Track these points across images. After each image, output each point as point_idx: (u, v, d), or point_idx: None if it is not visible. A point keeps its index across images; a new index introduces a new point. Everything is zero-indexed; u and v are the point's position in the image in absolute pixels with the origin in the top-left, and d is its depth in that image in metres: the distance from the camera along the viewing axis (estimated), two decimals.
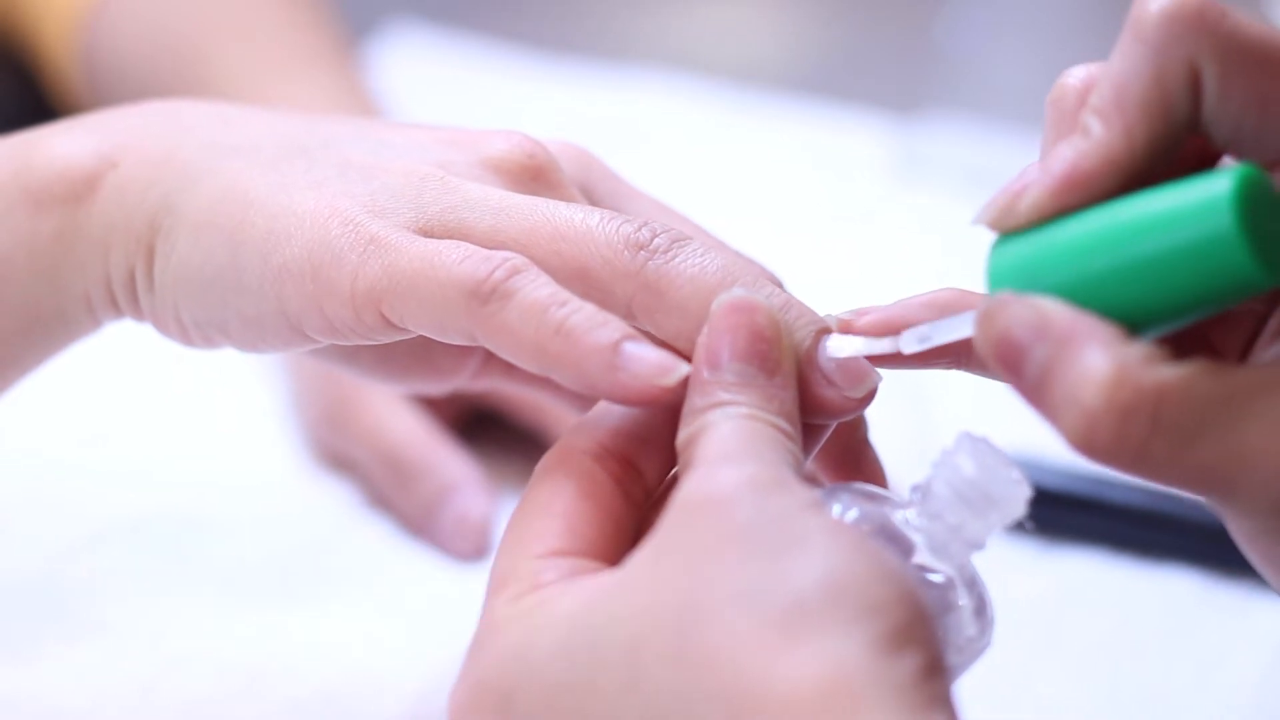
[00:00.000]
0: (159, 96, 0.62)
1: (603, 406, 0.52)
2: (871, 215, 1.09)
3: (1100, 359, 0.45)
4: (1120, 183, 0.48)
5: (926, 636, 0.44)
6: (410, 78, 1.17)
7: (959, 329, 0.51)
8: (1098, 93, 0.49)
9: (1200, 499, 0.49)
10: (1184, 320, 0.47)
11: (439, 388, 0.64)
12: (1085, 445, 0.45)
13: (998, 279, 0.49)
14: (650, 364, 0.50)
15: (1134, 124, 0.48)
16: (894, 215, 1.09)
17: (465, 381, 0.63)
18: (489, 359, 0.63)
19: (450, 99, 1.17)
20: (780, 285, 0.57)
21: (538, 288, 0.51)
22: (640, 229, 0.52)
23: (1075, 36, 1.31)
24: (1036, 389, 0.46)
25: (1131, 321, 0.47)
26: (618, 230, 0.53)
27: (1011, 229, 0.49)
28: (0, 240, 0.57)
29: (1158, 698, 0.71)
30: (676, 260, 0.52)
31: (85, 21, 1.03)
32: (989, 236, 0.54)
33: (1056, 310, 0.46)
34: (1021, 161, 1.14)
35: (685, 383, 0.50)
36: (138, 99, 0.62)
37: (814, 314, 0.52)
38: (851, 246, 1.05)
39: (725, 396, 0.49)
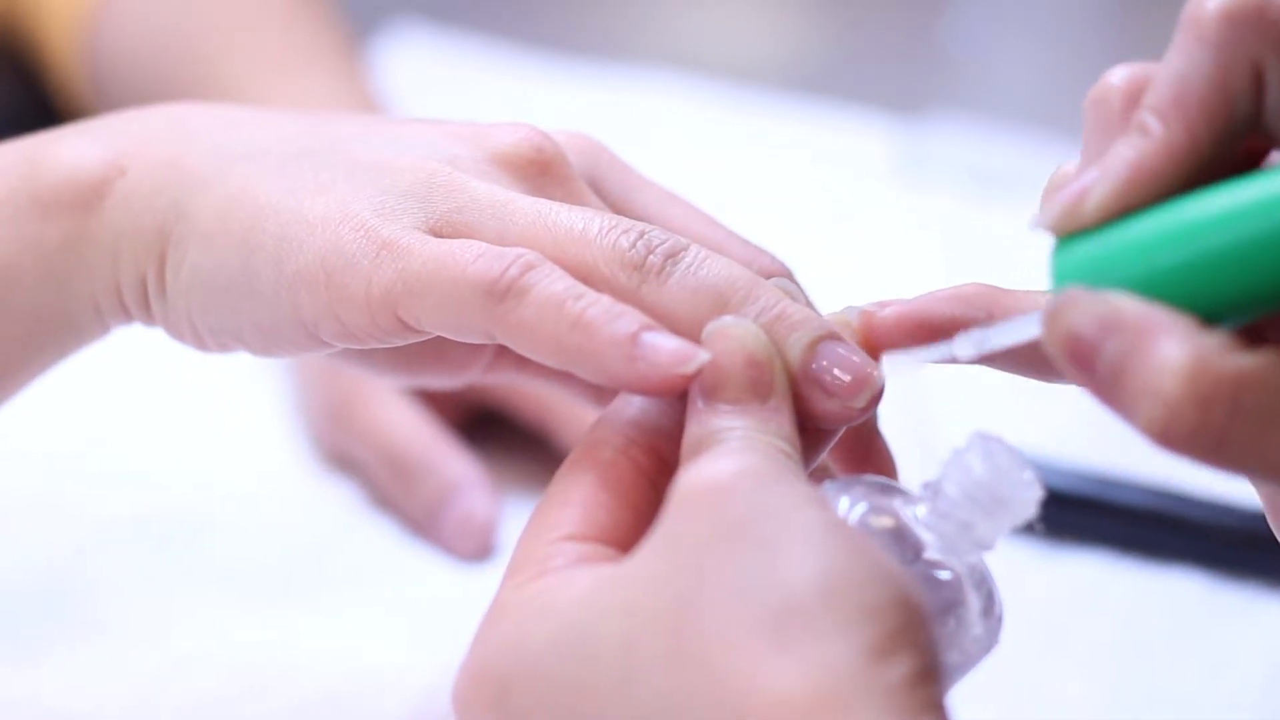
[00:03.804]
0: (162, 96, 0.62)
1: (626, 398, 0.52)
2: (874, 215, 1.09)
3: (1177, 349, 0.44)
4: (1182, 181, 0.48)
5: (920, 641, 0.44)
6: (413, 77, 1.17)
7: (1018, 332, 0.51)
8: (1155, 92, 0.49)
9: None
10: (1253, 314, 0.47)
11: (451, 382, 0.64)
12: (1165, 436, 0.44)
13: (1063, 279, 0.49)
14: (669, 352, 0.50)
15: (1196, 123, 0.48)
16: (896, 215, 1.09)
17: (478, 376, 0.63)
18: (500, 354, 0.63)
19: (453, 98, 1.17)
20: (790, 275, 0.57)
21: (552, 282, 0.51)
22: (636, 243, 0.52)
23: (1078, 37, 1.31)
24: (1110, 384, 0.45)
25: (1203, 316, 0.47)
26: (614, 245, 0.53)
27: (1075, 231, 0.49)
28: (9, 246, 0.57)
29: (1163, 699, 0.71)
30: (670, 283, 0.52)
31: (88, 21, 1.03)
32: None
33: (1128, 303, 0.46)
34: (1025, 162, 1.14)
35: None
36: (141, 98, 0.62)
37: (812, 320, 0.52)
38: (854, 247, 1.05)
39: (720, 424, 0.49)
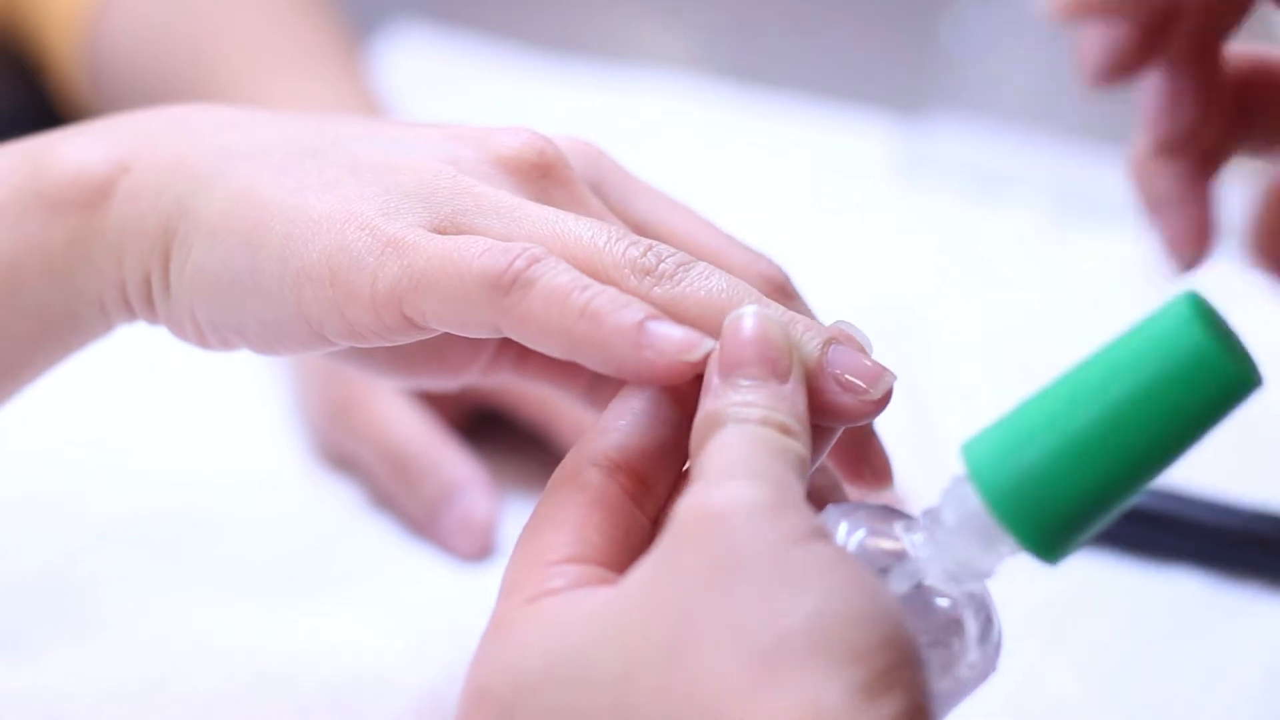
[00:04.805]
0: (163, 96, 0.62)
1: (608, 420, 0.52)
2: (874, 215, 1.10)
3: None
4: None
5: (910, 680, 0.44)
6: (414, 77, 1.18)
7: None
8: None
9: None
10: (1169, 459, 0.48)
11: (451, 383, 0.64)
12: None
13: (978, 470, 0.49)
14: (675, 341, 0.50)
15: None
16: (896, 215, 1.09)
17: (476, 377, 0.64)
18: (499, 355, 0.63)
19: (453, 98, 1.17)
20: (788, 278, 0.57)
21: (558, 274, 0.51)
22: (646, 253, 0.53)
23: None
24: None
25: (1122, 472, 0.47)
26: (624, 252, 0.53)
27: None
28: (16, 245, 0.58)
29: (1163, 699, 0.71)
30: (682, 285, 0.52)
31: (88, 22, 1.03)
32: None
33: None
34: (1025, 162, 1.14)
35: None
36: (142, 99, 0.62)
37: (821, 326, 0.53)
38: (855, 247, 1.05)
39: (736, 398, 0.49)
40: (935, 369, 0.92)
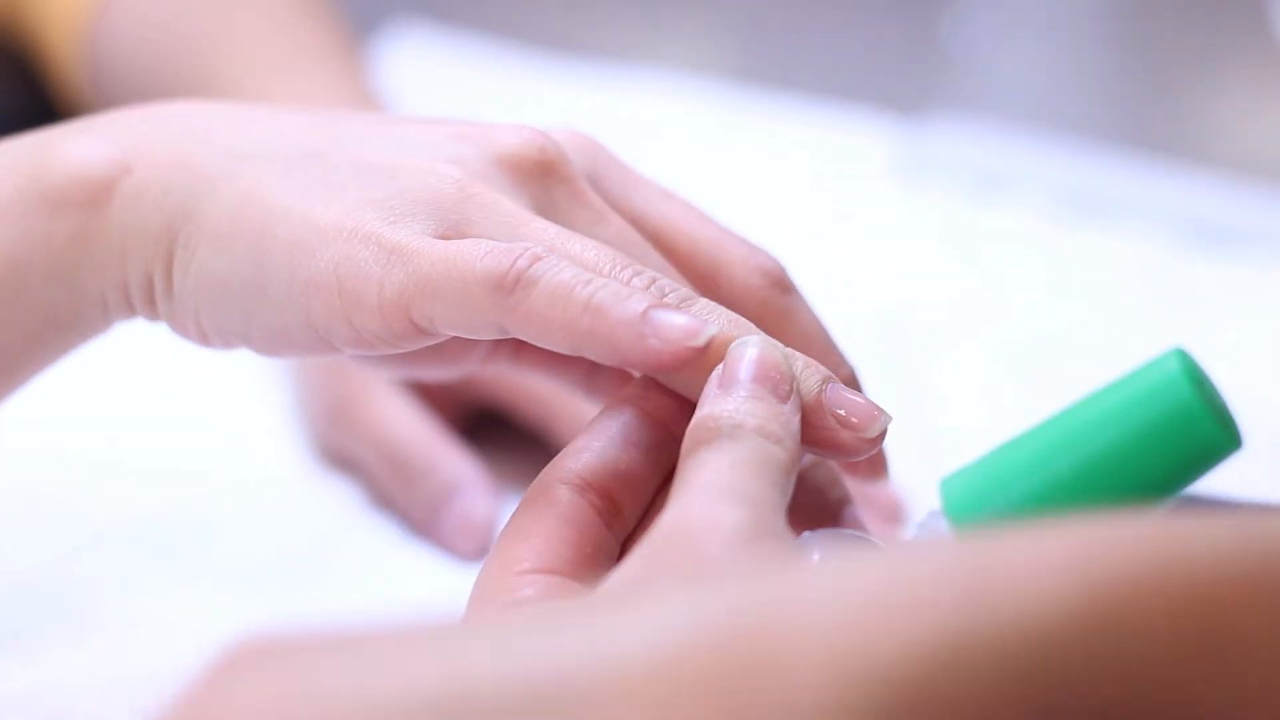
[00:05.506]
0: (163, 96, 0.62)
1: (582, 441, 0.53)
2: (874, 215, 1.09)
3: None
4: None
5: None
6: (414, 77, 1.18)
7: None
8: None
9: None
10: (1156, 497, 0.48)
11: (449, 374, 0.64)
12: None
13: (955, 508, 0.49)
14: (679, 328, 0.51)
15: None
16: (896, 215, 1.09)
17: (474, 367, 0.64)
18: (497, 345, 0.63)
19: (453, 98, 1.17)
20: (785, 271, 0.58)
21: (560, 270, 0.52)
22: (650, 286, 0.53)
23: (1080, 37, 1.31)
24: None
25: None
26: (628, 283, 0.53)
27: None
28: (18, 243, 0.58)
29: None
30: None
31: (88, 22, 1.04)
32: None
33: None
34: (1025, 162, 1.14)
35: (713, 347, 0.51)
36: (142, 99, 0.62)
37: (820, 366, 0.53)
38: (854, 247, 1.05)
39: (732, 406, 0.49)
40: (935, 369, 0.92)
